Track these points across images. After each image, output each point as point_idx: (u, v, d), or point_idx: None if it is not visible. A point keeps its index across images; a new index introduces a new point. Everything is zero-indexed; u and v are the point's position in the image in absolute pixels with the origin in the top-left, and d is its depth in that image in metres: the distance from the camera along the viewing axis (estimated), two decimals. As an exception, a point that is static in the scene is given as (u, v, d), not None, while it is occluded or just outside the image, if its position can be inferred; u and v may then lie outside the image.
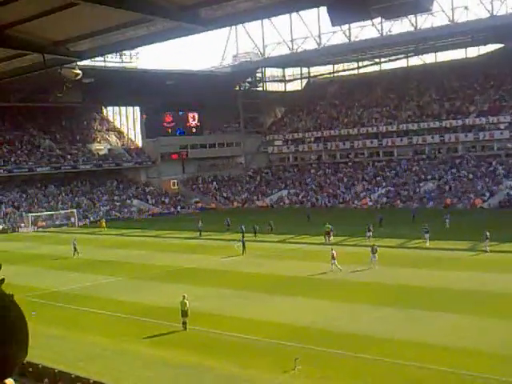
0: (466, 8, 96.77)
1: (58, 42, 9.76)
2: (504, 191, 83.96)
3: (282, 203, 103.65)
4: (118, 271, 47.66)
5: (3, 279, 2.88)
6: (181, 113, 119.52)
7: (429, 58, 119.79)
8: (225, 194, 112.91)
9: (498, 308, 30.51)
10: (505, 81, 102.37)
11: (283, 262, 47.91)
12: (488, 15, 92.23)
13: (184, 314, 29.69)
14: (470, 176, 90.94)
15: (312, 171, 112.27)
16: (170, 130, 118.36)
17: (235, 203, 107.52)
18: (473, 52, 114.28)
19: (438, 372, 22.41)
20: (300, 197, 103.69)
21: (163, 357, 26.17)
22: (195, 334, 29.08)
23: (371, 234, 55.40)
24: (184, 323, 29.70)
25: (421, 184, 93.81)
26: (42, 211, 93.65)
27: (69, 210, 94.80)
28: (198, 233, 67.89)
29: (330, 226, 58.12)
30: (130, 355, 26.84)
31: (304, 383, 22.41)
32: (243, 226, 60.58)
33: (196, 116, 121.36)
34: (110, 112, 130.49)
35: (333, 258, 42.43)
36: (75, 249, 56.87)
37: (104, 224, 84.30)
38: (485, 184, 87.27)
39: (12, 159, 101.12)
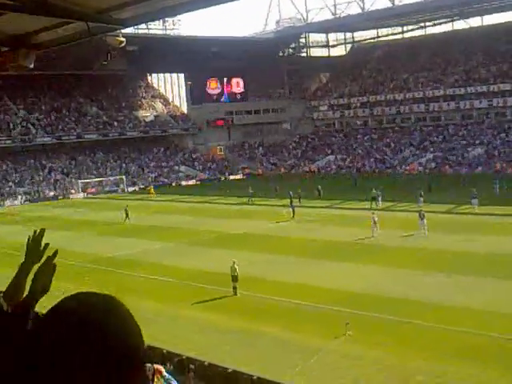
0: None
1: (101, 9, 9.84)
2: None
3: (328, 169, 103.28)
4: (168, 237, 47.98)
5: (48, 244, 3.02)
6: (225, 79, 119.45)
7: (474, 22, 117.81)
8: (271, 160, 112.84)
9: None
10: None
11: (331, 228, 47.78)
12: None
13: (234, 278, 29.97)
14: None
15: (358, 137, 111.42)
16: (215, 97, 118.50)
17: (282, 169, 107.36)
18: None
19: (493, 339, 22.32)
20: (347, 162, 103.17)
21: (215, 321, 26.54)
22: (246, 299, 29.38)
23: (422, 199, 55.07)
24: (234, 288, 29.99)
25: (469, 149, 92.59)
26: (91, 178, 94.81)
27: (117, 177, 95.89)
28: (248, 199, 67.92)
29: (376, 192, 57.94)
30: (183, 320, 27.24)
31: (356, 348, 22.43)
32: (291, 192, 60.48)
33: (241, 82, 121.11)
34: (155, 79, 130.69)
35: (374, 223, 42.57)
36: (127, 215, 57.45)
37: (152, 190, 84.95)
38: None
39: (60, 126, 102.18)
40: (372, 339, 23.14)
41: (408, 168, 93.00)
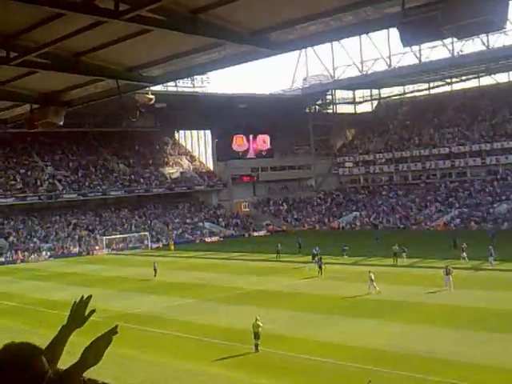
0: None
1: (131, 67, 9.92)
2: None
3: (353, 225, 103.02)
4: (191, 293, 47.79)
5: (94, 310, 2.95)
6: (251, 136, 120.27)
7: (501, 78, 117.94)
8: (295, 216, 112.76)
9: None
10: None
11: (356, 285, 47.19)
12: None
13: (256, 335, 29.58)
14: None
15: (383, 193, 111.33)
16: (240, 153, 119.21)
17: (306, 225, 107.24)
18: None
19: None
20: (371, 218, 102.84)
21: (235, 378, 26.12)
22: (267, 356, 28.88)
23: (466, 254, 54.36)
24: (256, 345, 29.58)
25: (495, 205, 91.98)
26: (115, 234, 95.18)
27: (142, 233, 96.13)
28: (276, 255, 67.33)
29: (397, 248, 57.48)
30: (203, 377, 26.82)
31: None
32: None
33: (267, 139, 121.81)
34: (182, 136, 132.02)
35: (371, 280, 42.61)
36: (155, 271, 57.76)
37: (172, 247, 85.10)
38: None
39: (86, 183, 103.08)
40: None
41: (433, 224, 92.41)
